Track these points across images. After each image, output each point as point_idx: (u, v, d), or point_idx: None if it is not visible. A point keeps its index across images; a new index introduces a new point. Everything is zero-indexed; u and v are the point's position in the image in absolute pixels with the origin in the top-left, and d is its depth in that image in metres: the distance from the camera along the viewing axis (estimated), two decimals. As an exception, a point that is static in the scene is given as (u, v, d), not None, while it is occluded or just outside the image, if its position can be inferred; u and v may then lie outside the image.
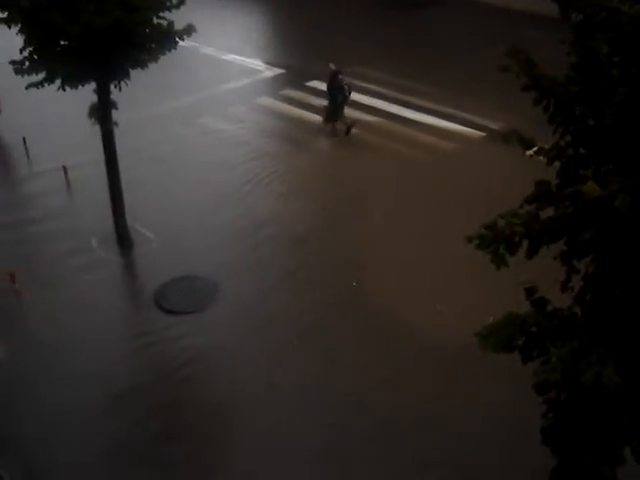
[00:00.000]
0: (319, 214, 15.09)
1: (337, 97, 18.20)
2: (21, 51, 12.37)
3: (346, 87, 18.24)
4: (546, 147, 6.24)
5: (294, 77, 22.24)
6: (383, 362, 11.19)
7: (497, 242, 5.94)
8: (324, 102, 18.86)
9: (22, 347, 11.89)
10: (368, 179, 16.19)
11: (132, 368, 11.43)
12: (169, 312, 12.50)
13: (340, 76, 18.24)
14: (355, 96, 20.45)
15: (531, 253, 5.99)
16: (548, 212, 6.02)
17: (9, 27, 12.21)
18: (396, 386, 10.73)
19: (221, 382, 11.12)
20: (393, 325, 11.84)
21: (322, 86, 21.22)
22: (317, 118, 19.21)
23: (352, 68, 22.17)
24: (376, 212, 14.93)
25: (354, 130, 18.33)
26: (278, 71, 23.06)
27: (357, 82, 21.22)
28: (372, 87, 20.89)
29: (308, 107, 20.17)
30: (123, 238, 14.28)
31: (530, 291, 6.56)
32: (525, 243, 5.95)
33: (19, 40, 12.41)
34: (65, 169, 16.52)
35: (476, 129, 18.08)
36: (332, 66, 18.45)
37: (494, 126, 17.53)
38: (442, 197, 15.23)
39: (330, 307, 12.35)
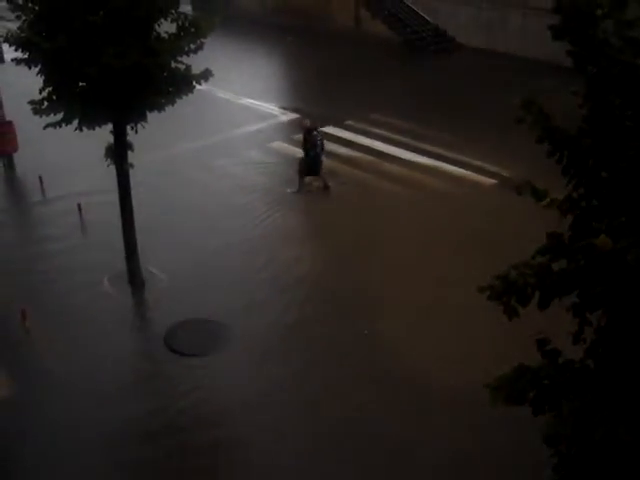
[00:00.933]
0: (331, 259, 15.06)
1: (309, 153, 17.75)
2: (40, 91, 12.51)
3: (319, 143, 17.75)
4: (559, 198, 6.25)
5: (309, 122, 22.42)
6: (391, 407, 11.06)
7: (509, 293, 5.92)
8: (337, 147, 19.00)
9: (30, 384, 11.84)
10: (380, 224, 16.20)
11: (139, 408, 11.31)
12: (178, 353, 12.43)
13: (315, 132, 17.86)
14: (368, 142, 20.65)
15: (543, 305, 5.96)
16: (561, 264, 6.00)
17: (29, 68, 12.37)
18: (402, 434, 10.60)
19: (229, 424, 11.00)
20: (400, 371, 11.73)
21: (337, 131, 21.46)
22: (331, 163, 19.32)
23: (366, 114, 22.42)
24: (386, 257, 14.92)
25: (363, 176, 18.38)
26: (293, 116, 23.27)
27: (370, 128, 21.43)
28: (385, 133, 21.06)
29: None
30: (135, 278, 14.28)
31: (542, 342, 6.50)
32: (537, 294, 5.94)
33: (37, 80, 12.55)
34: (80, 207, 16.65)
35: (488, 177, 18.13)
36: (306, 122, 18.16)
37: (506, 174, 17.58)
38: (453, 243, 15.22)
39: (341, 354, 12.25)
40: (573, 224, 6.15)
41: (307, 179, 18.02)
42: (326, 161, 19.14)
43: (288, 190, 17.85)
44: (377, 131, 21.27)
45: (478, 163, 18.77)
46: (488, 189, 17.59)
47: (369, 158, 19.75)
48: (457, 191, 17.57)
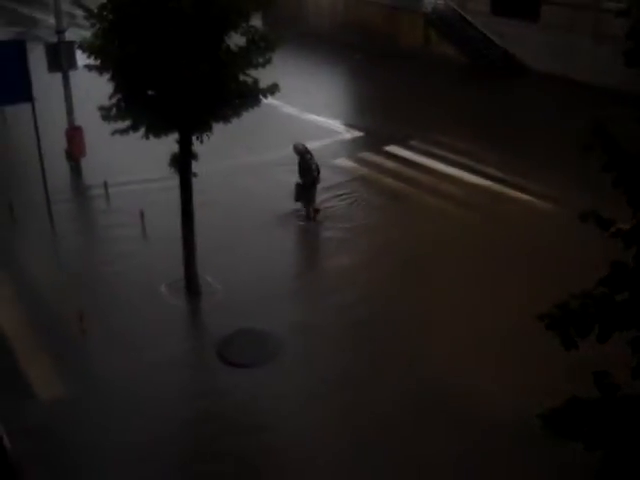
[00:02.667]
0: (388, 280, 14.94)
1: (306, 178, 17.24)
2: (110, 98, 12.73)
3: (314, 167, 17.24)
4: (625, 228, 6.11)
5: (372, 140, 22.42)
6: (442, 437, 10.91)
7: (568, 323, 5.81)
8: (400, 167, 18.91)
9: (83, 385, 11.99)
10: (438, 246, 16.07)
11: (188, 416, 11.38)
12: (230, 364, 12.47)
13: (309, 156, 17.27)
14: (430, 162, 20.54)
15: (602, 338, 5.84)
16: (624, 296, 5.87)
17: (101, 74, 12.60)
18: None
19: (276, 435, 10.96)
20: (447, 396, 11.58)
21: (400, 151, 21.42)
22: (393, 183, 19.28)
23: (430, 135, 22.33)
24: (444, 281, 14.76)
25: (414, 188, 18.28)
26: (357, 133, 23.30)
27: (433, 149, 21.32)
28: (448, 154, 20.94)
29: (385, 171, 20.27)
30: (191, 286, 14.39)
31: (600, 375, 6.35)
32: (597, 326, 5.82)
33: (107, 87, 12.78)
34: (142, 214, 16.88)
35: (551, 203, 17.85)
36: (298, 145, 17.52)
37: (569, 201, 17.27)
38: (510, 268, 15.02)
39: (390, 376, 12.15)
40: (637, 255, 6.01)
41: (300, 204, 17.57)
42: (389, 180, 19.14)
43: (300, 223, 17.46)
44: (440, 152, 21.15)
45: (540, 189, 18.50)
46: (550, 215, 17.31)
47: (430, 179, 19.63)
48: (518, 216, 17.34)
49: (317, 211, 17.53)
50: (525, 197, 18.35)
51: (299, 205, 17.53)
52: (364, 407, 11.42)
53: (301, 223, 17.37)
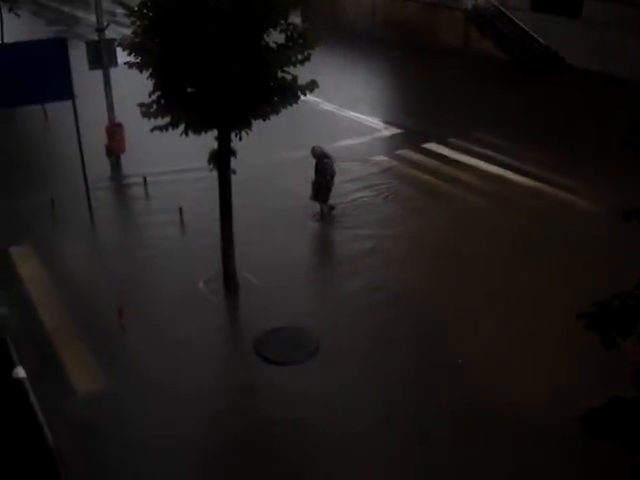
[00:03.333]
0: (428, 278, 14.87)
1: (320, 180, 17.20)
2: (149, 95, 12.83)
3: (329, 171, 17.13)
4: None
5: (411, 138, 22.34)
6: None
7: (609, 323, 5.74)
8: (439, 164, 18.81)
9: (122, 379, 12.11)
10: (478, 245, 15.96)
11: (224, 413, 11.43)
12: (267, 361, 12.50)
13: (326, 160, 17.16)
14: (470, 160, 20.42)
15: (645, 337, 5.76)
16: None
17: (141, 72, 12.70)
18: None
19: (311, 433, 10.98)
20: (483, 399, 11.49)
21: (439, 148, 21.32)
22: (431, 180, 19.19)
23: (470, 132, 22.18)
24: (484, 281, 14.65)
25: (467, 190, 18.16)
26: (395, 130, 23.22)
27: (473, 147, 21.18)
28: (487, 152, 20.79)
29: (423, 168, 20.19)
30: (230, 282, 14.45)
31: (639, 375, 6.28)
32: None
33: (147, 84, 12.88)
34: (181, 210, 17.01)
35: (592, 201, 17.63)
36: (316, 148, 17.40)
37: (610, 200, 17.06)
38: (550, 268, 14.87)
39: (427, 378, 12.10)
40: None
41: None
42: (427, 177, 19.04)
43: (313, 220, 17.40)
44: (479, 150, 21.01)
45: (581, 187, 18.30)
46: (592, 214, 17.12)
47: (469, 176, 19.51)
48: (558, 214, 17.17)
49: (332, 209, 17.53)
50: (566, 195, 18.14)
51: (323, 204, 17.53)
52: (399, 407, 11.39)
53: (316, 222, 17.37)
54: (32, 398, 7.89)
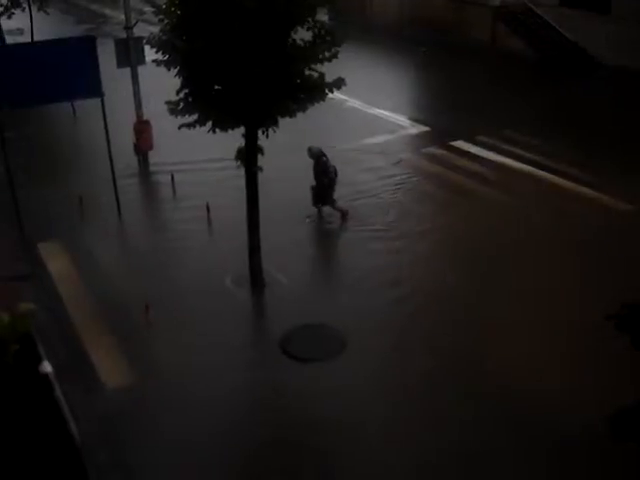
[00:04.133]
0: (456, 274, 14.77)
1: (322, 180, 16.86)
2: (177, 93, 12.88)
3: (331, 169, 16.86)
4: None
5: (439, 136, 22.25)
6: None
7: (637, 323, 5.68)
8: (467, 162, 18.70)
9: (148, 375, 12.19)
10: (502, 241, 15.89)
11: (248, 410, 11.46)
12: (292, 357, 12.51)
13: (324, 158, 16.87)
14: (498, 158, 20.30)
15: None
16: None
17: (168, 69, 12.76)
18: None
19: (335, 430, 10.93)
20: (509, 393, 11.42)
21: (467, 146, 21.22)
22: (460, 178, 19.09)
23: (498, 130, 22.05)
24: (515, 279, 14.55)
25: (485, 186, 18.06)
26: (423, 128, 23.14)
27: (501, 145, 21.05)
28: (516, 150, 20.65)
29: (451, 167, 20.10)
30: (256, 279, 14.48)
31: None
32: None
33: (174, 81, 12.93)
34: (208, 207, 17.07)
35: (624, 201, 17.42)
36: (313, 148, 17.07)
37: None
38: (576, 267, 14.77)
39: (453, 372, 12.04)
40: None
41: (325, 208, 17.26)
42: (454, 175, 18.93)
43: (307, 220, 17.18)
44: (508, 148, 20.87)
45: (611, 185, 18.09)
46: (623, 215, 16.91)
47: (498, 174, 19.39)
48: (589, 214, 16.99)
49: (345, 215, 17.15)
50: (596, 194, 17.96)
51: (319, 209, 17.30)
52: (425, 405, 11.35)
53: (329, 225, 17.23)
54: (58, 393, 7.94)
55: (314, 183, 17.01)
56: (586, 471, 9.96)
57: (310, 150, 17.07)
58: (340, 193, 17.40)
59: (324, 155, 16.97)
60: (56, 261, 15.71)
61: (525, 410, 11.07)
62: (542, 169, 19.50)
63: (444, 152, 21.13)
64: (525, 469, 10.10)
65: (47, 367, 8.40)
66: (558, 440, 10.43)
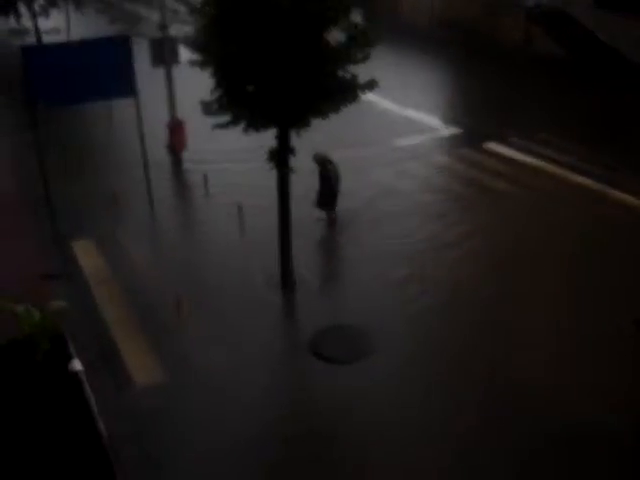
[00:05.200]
0: (484, 278, 14.70)
1: (325, 186, 16.74)
2: (211, 93, 12.94)
3: (333, 175, 16.67)
4: None
5: (472, 137, 22.15)
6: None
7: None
8: (500, 164, 18.55)
9: (179, 371, 12.26)
10: (533, 244, 15.78)
11: (277, 409, 11.47)
12: (322, 359, 12.52)
13: (329, 165, 16.68)
14: (531, 160, 20.16)
15: None
16: None
17: (202, 69, 12.82)
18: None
19: (364, 431, 10.93)
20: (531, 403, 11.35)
21: (499, 148, 21.10)
22: (493, 180, 18.99)
23: (531, 132, 21.90)
24: (542, 279, 14.47)
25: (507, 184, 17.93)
26: (456, 130, 23.05)
27: (535, 147, 20.90)
28: (550, 153, 20.49)
29: (484, 169, 19.98)
30: (287, 280, 14.51)
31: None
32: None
33: (208, 81, 13.00)
34: (240, 208, 17.14)
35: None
36: (318, 154, 16.78)
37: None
38: (604, 270, 14.66)
39: (478, 376, 11.98)
40: None
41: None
42: (487, 177, 18.82)
43: (318, 221, 17.05)
44: (541, 150, 20.72)
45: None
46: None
47: (530, 177, 19.26)
48: (621, 216, 16.84)
49: (333, 221, 17.09)
50: (630, 198, 17.77)
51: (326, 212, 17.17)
52: (451, 409, 11.32)
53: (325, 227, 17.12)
54: (88, 391, 8.00)
55: (320, 187, 16.84)
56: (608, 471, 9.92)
57: (315, 157, 16.90)
58: (369, 194, 17.37)
59: (330, 162, 16.78)
60: (89, 258, 15.87)
61: (553, 409, 11.00)
62: (575, 172, 19.32)
63: (476, 153, 21.03)
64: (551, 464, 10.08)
65: (77, 365, 8.47)
66: (584, 441, 10.38)
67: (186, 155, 20.64)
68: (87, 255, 16.01)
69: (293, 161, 13.49)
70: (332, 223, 17.10)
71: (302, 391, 11.90)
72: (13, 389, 8.26)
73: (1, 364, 8.62)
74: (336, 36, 12.79)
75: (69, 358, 8.54)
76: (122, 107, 19.49)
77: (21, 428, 7.69)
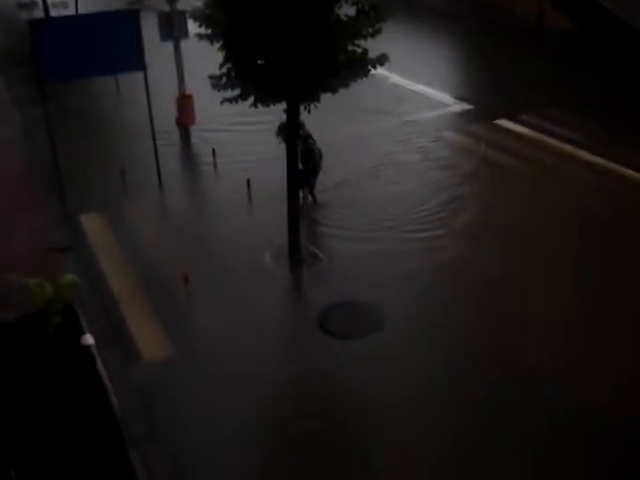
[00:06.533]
0: (496, 259, 14.55)
1: (308, 165, 16.16)
2: (220, 67, 12.88)
3: (317, 152, 16.22)
4: None
5: (482, 114, 21.99)
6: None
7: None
8: (510, 141, 18.37)
9: (187, 346, 12.28)
10: (549, 225, 15.62)
11: (288, 385, 11.47)
12: (330, 334, 12.52)
13: (311, 140, 16.14)
14: (542, 137, 20.01)
15: None
16: None
17: (211, 43, 12.75)
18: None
19: (370, 408, 10.90)
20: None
21: (509, 125, 20.97)
22: (504, 157, 18.88)
23: (542, 110, 21.74)
24: (552, 261, 14.37)
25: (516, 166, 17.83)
26: (466, 106, 22.89)
27: (545, 124, 20.75)
28: (561, 131, 20.32)
29: (494, 145, 19.86)
30: (295, 256, 14.49)
31: None
32: None
33: (217, 55, 12.92)
34: (249, 182, 17.10)
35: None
36: (300, 130, 15.56)
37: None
38: (614, 252, 14.52)
39: (493, 365, 11.93)
40: None
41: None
42: (497, 154, 18.71)
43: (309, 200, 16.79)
44: (552, 128, 20.56)
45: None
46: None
47: (542, 154, 19.12)
48: (634, 196, 16.70)
49: (314, 199, 16.79)
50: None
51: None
52: (466, 386, 11.31)
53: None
54: (99, 364, 8.06)
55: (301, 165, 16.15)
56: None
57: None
58: (381, 171, 17.27)
59: (310, 137, 16.25)
60: (98, 233, 15.89)
61: (567, 404, 10.95)
62: (585, 149, 19.15)
63: (487, 130, 20.88)
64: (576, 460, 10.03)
65: (89, 339, 8.53)
66: (598, 438, 10.37)
67: (194, 129, 20.58)
68: (96, 229, 16.02)
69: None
70: (309, 202, 16.67)
71: (309, 367, 11.87)
72: (27, 362, 8.32)
73: (15, 338, 8.69)
74: (348, 10, 12.70)
75: (81, 332, 8.61)
76: (131, 81, 19.42)
77: (35, 402, 7.75)
